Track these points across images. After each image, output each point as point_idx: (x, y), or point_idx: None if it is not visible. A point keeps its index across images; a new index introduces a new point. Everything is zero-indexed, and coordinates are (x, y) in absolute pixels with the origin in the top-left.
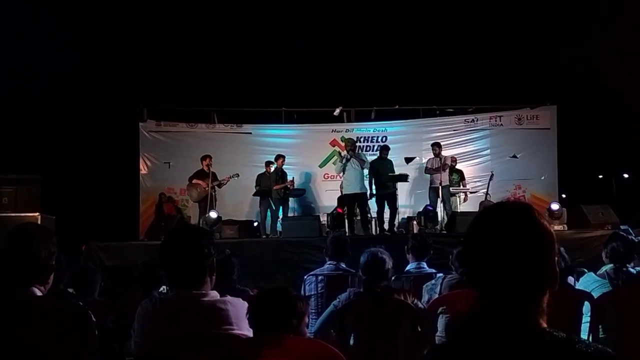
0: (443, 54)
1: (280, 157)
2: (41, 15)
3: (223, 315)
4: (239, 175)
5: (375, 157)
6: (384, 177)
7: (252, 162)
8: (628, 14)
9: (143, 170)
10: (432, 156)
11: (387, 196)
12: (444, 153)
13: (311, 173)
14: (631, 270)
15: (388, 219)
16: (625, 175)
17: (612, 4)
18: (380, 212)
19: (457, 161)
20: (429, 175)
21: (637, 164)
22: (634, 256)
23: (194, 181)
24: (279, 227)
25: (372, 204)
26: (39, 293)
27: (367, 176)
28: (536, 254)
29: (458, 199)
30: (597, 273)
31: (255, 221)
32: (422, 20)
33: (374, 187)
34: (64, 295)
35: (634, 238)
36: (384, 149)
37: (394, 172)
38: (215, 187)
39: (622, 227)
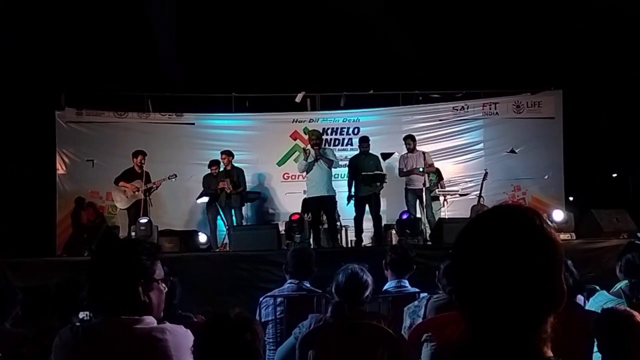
0: (426, 27)
1: (225, 154)
2: None
3: (161, 347)
4: (176, 176)
5: (348, 152)
6: (366, 177)
7: (194, 159)
8: None
9: (60, 169)
10: (405, 152)
11: (370, 199)
12: (428, 148)
13: (268, 172)
14: None
15: (373, 228)
16: None
17: None
18: (358, 218)
19: (437, 158)
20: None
21: None
22: None
23: (121, 183)
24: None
25: (349, 209)
26: None
27: (338, 176)
28: (540, 268)
29: (439, 203)
30: (611, 291)
31: (198, 231)
32: None
33: (353, 187)
34: None
35: None
36: (363, 141)
37: (380, 168)
38: (150, 189)
39: (639, 234)
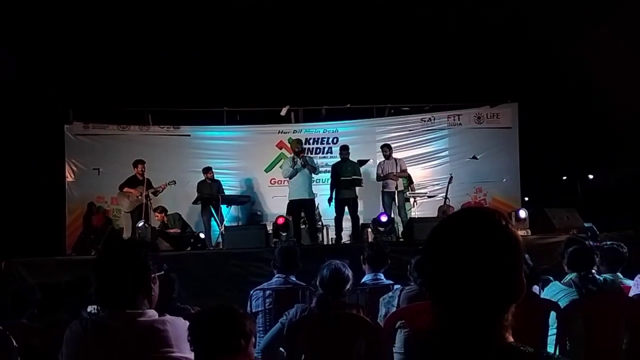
0: (397, 48)
1: (208, 169)
2: None
3: (162, 337)
4: (175, 182)
5: (328, 159)
6: (345, 181)
7: (190, 167)
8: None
9: (69, 177)
10: (383, 159)
11: (349, 202)
12: (399, 155)
13: (256, 178)
14: (598, 277)
15: (351, 227)
16: (591, 177)
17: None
18: (338, 219)
19: (407, 164)
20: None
21: (603, 165)
22: (594, 261)
23: (126, 189)
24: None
25: (330, 210)
26: None
27: (318, 180)
28: (504, 263)
29: (410, 204)
30: (563, 281)
31: (195, 232)
32: (373, 11)
33: (334, 191)
34: None
35: (590, 242)
36: (343, 149)
37: (359, 174)
38: (151, 195)
39: (586, 224)
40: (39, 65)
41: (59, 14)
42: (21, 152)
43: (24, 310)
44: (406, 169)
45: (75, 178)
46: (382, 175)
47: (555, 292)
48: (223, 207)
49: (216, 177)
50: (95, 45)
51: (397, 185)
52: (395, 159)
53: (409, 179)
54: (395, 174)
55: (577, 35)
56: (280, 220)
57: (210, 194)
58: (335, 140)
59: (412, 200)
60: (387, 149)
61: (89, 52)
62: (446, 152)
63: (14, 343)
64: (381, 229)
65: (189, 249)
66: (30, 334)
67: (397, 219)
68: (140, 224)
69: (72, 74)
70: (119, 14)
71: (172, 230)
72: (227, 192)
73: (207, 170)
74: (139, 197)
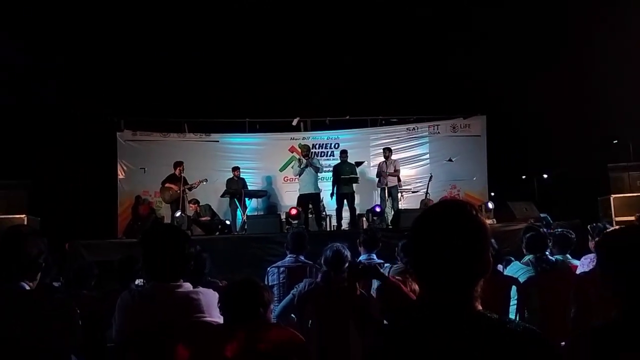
0: (388, 71)
1: (235, 168)
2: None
3: (196, 305)
4: (207, 180)
5: (331, 161)
6: (344, 179)
7: (219, 167)
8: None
9: (120, 175)
10: (383, 159)
11: (347, 196)
12: (392, 157)
13: (273, 176)
14: (550, 258)
15: (349, 218)
16: (545, 176)
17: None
18: (339, 210)
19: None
20: (374, 178)
21: (554, 166)
22: (547, 245)
23: (167, 185)
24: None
25: (332, 203)
26: (28, 288)
27: (322, 179)
28: (475, 245)
29: (399, 197)
30: (522, 261)
31: (222, 220)
32: (368, 44)
33: (335, 187)
34: (51, 290)
35: (544, 229)
36: (343, 153)
37: (355, 173)
38: (187, 190)
39: (542, 215)
40: (98, 85)
41: (113, 46)
42: (82, 155)
43: (84, 283)
44: (399, 170)
45: (125, 176)
46: (378, 174)
47: (516, 270)
48: (246, 199)
49: (241, 175)
50: (142, 69)
51: (387, 182)
52: (392, 160)
53: (397, 179)
54: (387, 173)
55: (534, 65)
56: (293, 212)
57: (236, 189)
58: (336, 145)
59: (399, 195)
60: (386, 152)
61: (138, 74)
62: (427, 156)
63: (77, 309)
64: (375, 218)
65: (217, 233)
66: (90, 302)
67: (389, 210)
68: (178, 213)
69: (123, 92)
70: (161, 45)
71: (203, 219)
72: (249, 188)
73: (235, 169)
74: (177, 192)
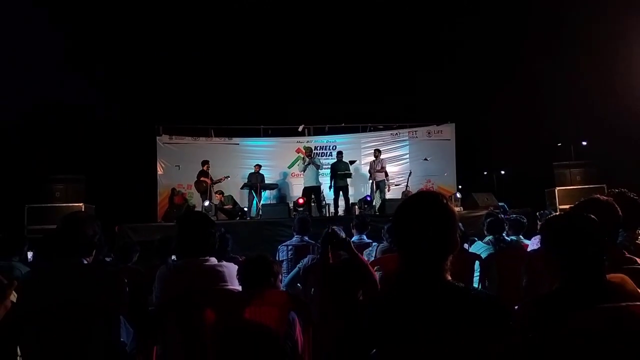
0: (376, 88)
1: (257, 165)
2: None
3: (220, 276)
4: (229, 176)
5: (332, 160)
6: (340, 175)
7: (239, 165)
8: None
9: (159, 171)
10: (374, 158)
11: (342, 188)
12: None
13: (283, 172)
14: (507, 238)
15: (344, 206)
16: (502, 172)
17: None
18: (335, 199)
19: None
20: (365, 174)
21: (510, 163)
22: (504, 228)
23: (201, 179)
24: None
25: (330, 194)
26: (85, 262)
27: (322, 174)
28: (445, 228)
29: (386, 189)
30: (483, 241)
31: (242, 208)
32: (361, 67)
33: (332, 181)
34: (103, 264)
35: (507, 216)
36: (339, 154)
37: (349, 170)
38: (218, 181)
39: (500, 204)
40: (142, 98)
41: (156, 67)
42: (129, 155)
43: (129, 258)
44: (385, 167)
45: (163, 172)
46: (372, 169)
47: (478, 248)
48: (261, 191)
49: (260, 171)
50: (177, 86)
51: (375, 176)
52: (381, 159)
53: (385, 174)
54: (375, 170)
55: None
56: (300, 201)
57: (254, 182)
58: (334, 147)
59: (386, 188)
60: (376, 152)
61: (174, 90)
62: (407, 156)
63: (124, 279)
64: (366, 206)
65: (237, 219)
66: (135, 273)
67: (377, 200)
68: (207, 203)
69: (162, 104)
70: (194, 67)
71: (227, 207)
72: (266, 182)
73: (257, 166)
74: (206, 185)
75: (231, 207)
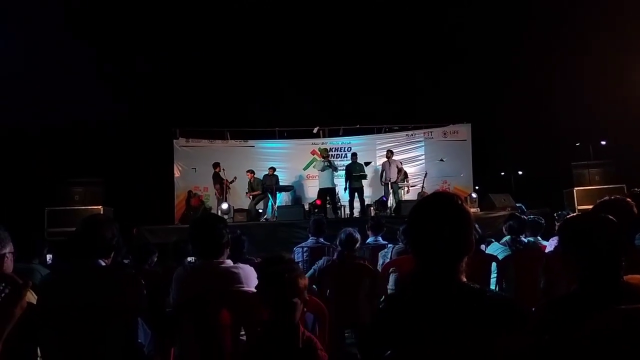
0: (391, 89)
1: (272, 168)
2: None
3: (236, 277)
4: (236, 178)
5: (346, 161)
6: (355, 176)
7: (255, 167)
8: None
9: (176, 174)
10: (386, 159)
11: (358, 190)
12: (393, 158)
13: (298, 174)
14: (523, 240)
15: (359, 207)
16: (520, 172)
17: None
18: (351, 201)
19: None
20: (379, 175)
21: (528, 164)
22: (525, 230)
23: (216, 185)
24: (275, 213)
25: (345, 195)
26: (103, 264)
27: (338, 176)
28: (460, 228)
29: (402, 191)
30: (500, 242)
31: (259, 209)
32: (376, 69)
33: (348, 182)
34: (121, 266)
35: (525, 217)
36: (354, 155)
37: (364, 171)
38: (232, 182)
39: (517, 204)
40: (159, 102)
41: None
42: (146, 158)
43: (146, 259)
44: (402, 168)
45: (180, 175)
46: (382, 171)
47: (495, 249)
48: (277, 193)
49: (274, 173)
50: (193, 90)
51: (389, 177)
52: (394, 160)
53: (405, 175)
54: (389, 171)
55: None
56: (318, 202)
57: (270, 184)
58: (349, 149)
59: (405, 189)
60: (388, 153)
61: (190, 94)
62: (423, 157)
63: (142, 281)
64: (381, 207)
65: (257, 215)
66: (152, 275)
67: (392, 201)
68: (225, 205)
69: (179, 108)
70: (210, 72)
71: (254, 193)
72: (280, 184)
73: (272, 168)
74: (221, 187)
75: (260, 192)
